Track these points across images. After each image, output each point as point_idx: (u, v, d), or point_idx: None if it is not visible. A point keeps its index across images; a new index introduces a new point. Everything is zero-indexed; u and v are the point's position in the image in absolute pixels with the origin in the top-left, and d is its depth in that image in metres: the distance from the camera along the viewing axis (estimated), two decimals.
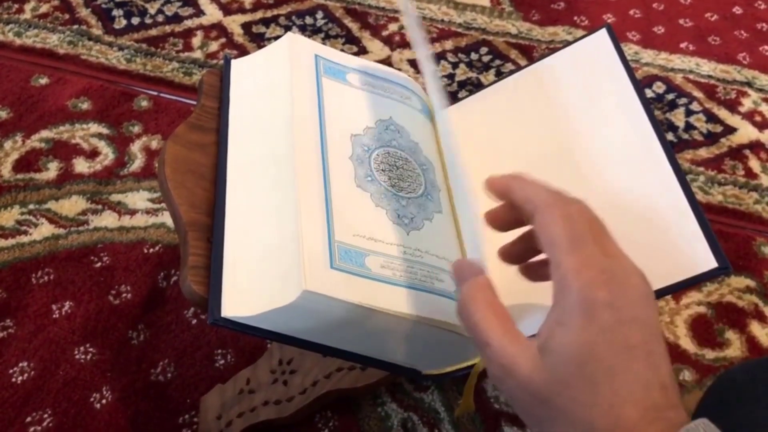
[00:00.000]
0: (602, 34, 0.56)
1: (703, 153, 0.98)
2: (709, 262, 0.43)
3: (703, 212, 0.45)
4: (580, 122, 0.51)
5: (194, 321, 0.76)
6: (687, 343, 0.77)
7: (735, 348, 0.77)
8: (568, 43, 0.59)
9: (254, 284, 0.43)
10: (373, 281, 0.43)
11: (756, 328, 0.79)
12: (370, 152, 0.51)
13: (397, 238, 0.47)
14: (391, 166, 0.51)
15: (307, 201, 0.44)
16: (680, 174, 0.47)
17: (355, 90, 0.56)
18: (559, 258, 0.36)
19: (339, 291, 0.41)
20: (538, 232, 0.37)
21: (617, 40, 0.55)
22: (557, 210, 0.37)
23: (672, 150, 0.48)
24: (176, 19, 1.12)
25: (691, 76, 1.08)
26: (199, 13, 1.13)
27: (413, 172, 0.52)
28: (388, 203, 0.48)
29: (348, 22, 1.14)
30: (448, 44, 1.12)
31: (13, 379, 0.70)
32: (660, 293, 0.43)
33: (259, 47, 1.07)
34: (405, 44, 1.11)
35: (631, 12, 1.20)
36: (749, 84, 1.08)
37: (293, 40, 0.56)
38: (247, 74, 0.57)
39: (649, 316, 0.35)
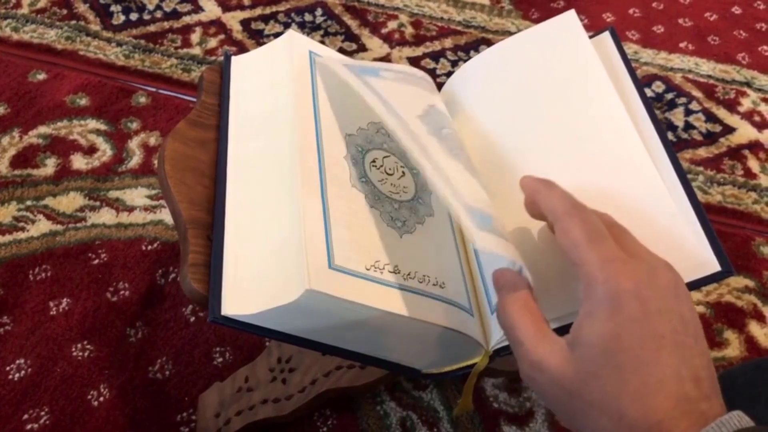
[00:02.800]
0: (605, 36, 0.56)
1: (702, 153, 0.98)
2: (712, 266, 0.43)
3: (706, 214, 0.45)
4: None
5: (192, 318, 0.75)
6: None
7: (734, 348, 0.77)
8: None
9: (255, 282, 0.43)
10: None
11: (755, 328, 0.79)
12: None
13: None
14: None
15: (310, 200, 0.44)
16: (683, 175, 0.47)
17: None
18: (582, 256, 0.37)
19: (340, 290, 0.41)
20: (560, 239, 0.39)
21: (620, 41, 0.55)
22: (576, 216, 0.38)
23: (674, 151, 0.48)
24: (175, 15, 1.11)
25: (690, 76, 1.08)
26: (198, 9, 1.13)
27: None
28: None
29: (347, 19, 1.14)
30: (448, 42, 1.11)
31: (10, 376, 0.70)
32: None
33: (258, 44, 1.07)
34: (404, 42, 1.11)
35: (631, 11, 1.20)
36: (748, 84, 1.08)
37: (294, 37, 0.56)
38: (248, 71, 0.56)
39: (678, 308, 0.36)
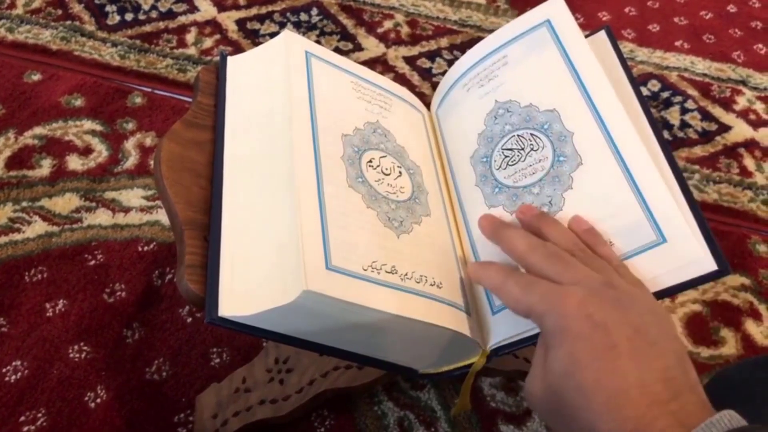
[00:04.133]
0: (601, 35, 0.56)
1: (698, 151, 0.98)
2: (709, 265, 0.43)
3: (702, 212, 0.45)
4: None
5: (189, 319, 0.75)
6: (682, 341, 0.77)
7: (730, 346, 0.78)
8: None
9: (252, 283, 0.43)
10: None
11: (751, 326, 0.79)
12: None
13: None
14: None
15: (306, 200, 0.44)
16: (679, 174, 0.47)
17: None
18: (525, 306, 0.40)
19: (337, 291, 0.40)
20: (506, 304, 0.43)
21: (616, 40, 0.55)
22: (509, 280, 0.42)
23: (670, 150, 0.48)
24: (170, 15, 1.11)
25: (686, 75, 1.08)
26: (193, 9, 1.13)
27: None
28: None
29: (343, 18, 1.14)
30: (444, 41, 1.11)
31: (7, 378, 0.70)
32: (659, 295, 0.43)
33: (254, 44, 1.06)
34: (400, 41, 1.11)
35: (627, 10, 1.20)
36: (743, 82, 1.08)
37: (290, 37, 0.56)
38: (244, 71, 0.56)
39: (626, 317, 0.37)
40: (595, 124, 0.48)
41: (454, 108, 0.58)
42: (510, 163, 0.51)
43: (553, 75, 0.52)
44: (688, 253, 0.43)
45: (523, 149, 0.51)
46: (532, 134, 0.51)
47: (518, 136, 0.51)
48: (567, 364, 0.36)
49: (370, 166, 0.50)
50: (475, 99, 0.56)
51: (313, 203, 0.45)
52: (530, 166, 0.50)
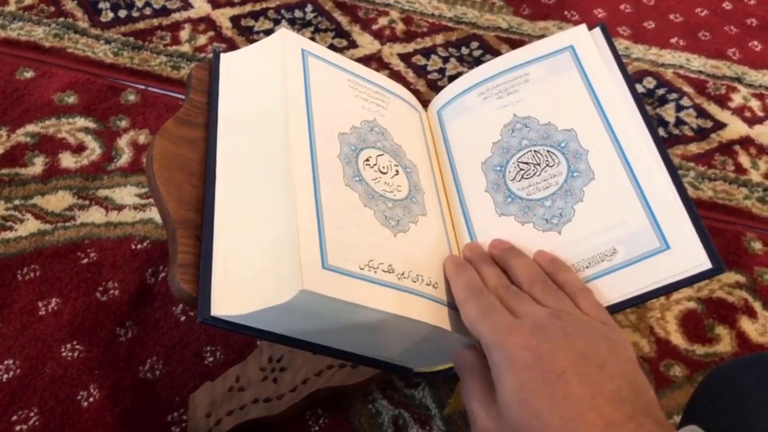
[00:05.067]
0: (596, 32, 0.56)
1: (694, 148, 0.98)
2: (704, 263, 0.43)
3: (697, 210, 0.45)
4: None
5: (183, 318, 0.75)
6: (677, 339, 0.78)
7: (725, 343, 0.78)
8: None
9: (246, 283, 0.42)
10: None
11: (746, 324, 0.79)
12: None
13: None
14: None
15: (302, 199, 0.44)
16: (674, 172, 0.47)
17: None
18: (477, 330, 0.41)
19: (334, 290, 0.40)
20: (463, 320, 0.44)
21: (611, 37, 0.55)
22: (471, 299, 0.43)
23: (665, 148, 0.48)
24: (164, 12, 1.10)
25: (681, 72, 1.08)
26: (187, 6, 1.12)
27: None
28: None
29: (338, 15, 1.14)
30: (439, 38, 1.11)
31: None
32: (653, 294, 0.44)
33: (248, 41, 1.06)
34: (395, 38, 1.10)
35: (622, 7, 1.20)
36: (739, 79, 1.08)
37: (286, 35, 0.55)
38: (237, 69, 0.56)
39: (571, 344, 0.38)
40: (611, 143, 0.50)
41: (466, 113, 0.58)
42: (525, 176, 0.52)
43: (573, 97, 0.54)
44: (689, 260, 0.44)
45: (538, 164, 0.52)
46: (548, 151, 0.52)
47: (535, 151, 0.53)
48: (519, 392, 0.37)
49: (366, 164, 0.50)
50: (492, 109, 0.56)
51: (310, 202, 0.44)
52: (545, 180, 0.51)
